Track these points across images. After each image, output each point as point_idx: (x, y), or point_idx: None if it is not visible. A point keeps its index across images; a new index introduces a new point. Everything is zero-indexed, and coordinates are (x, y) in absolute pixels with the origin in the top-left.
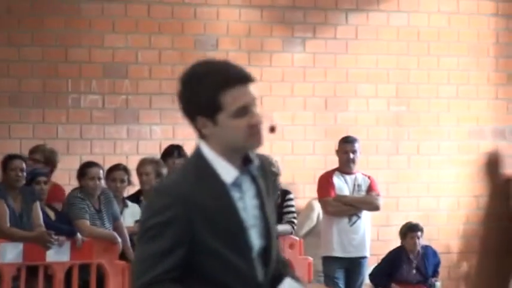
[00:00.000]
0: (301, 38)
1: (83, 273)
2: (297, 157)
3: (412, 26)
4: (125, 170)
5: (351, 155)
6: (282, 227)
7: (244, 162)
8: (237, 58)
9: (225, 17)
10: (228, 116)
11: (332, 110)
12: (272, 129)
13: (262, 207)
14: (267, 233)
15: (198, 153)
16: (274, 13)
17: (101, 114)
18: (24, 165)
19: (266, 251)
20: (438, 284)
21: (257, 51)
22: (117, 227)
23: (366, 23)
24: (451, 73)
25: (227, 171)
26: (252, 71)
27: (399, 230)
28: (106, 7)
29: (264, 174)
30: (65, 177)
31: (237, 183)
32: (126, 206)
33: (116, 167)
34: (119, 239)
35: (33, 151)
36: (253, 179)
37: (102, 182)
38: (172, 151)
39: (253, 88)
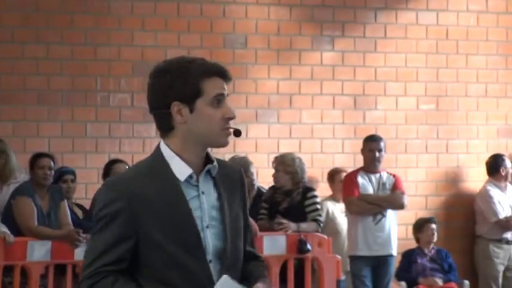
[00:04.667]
0: (330, 37)
1: None
2: (326, 156)
3: (441, 24)
4: None
5: (376, 154)
6: (306, 225)
7: (205, 164)
8: (266, 56)
9: (253, 15)
10: (206, 103)
11: (361, 108)
12: (236, 133)
13: (222, 209)
14: (225, 236)
15: (156, 151)
16: (303, 11)
17: (130, 113)
18: (52, 163)
19: (224, 253)
20: (467, 282)
21: (286, 49)
22: None
23: (395, 22)
24: (479, 72)
25: (181, 169)
26: (281, 69)
27: (413, 226)
28: (135, 5)
29: (230, 183)
30: (94, 176)
31: (192, 182)
32: None
33: None
34: None
35: None
36: (215, 182)
37: None
38: None
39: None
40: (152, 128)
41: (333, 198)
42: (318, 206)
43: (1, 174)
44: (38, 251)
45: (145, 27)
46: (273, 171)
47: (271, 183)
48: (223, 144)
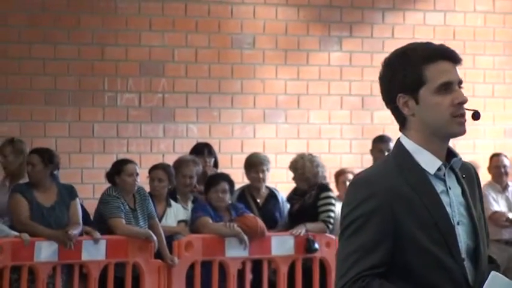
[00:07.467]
0: (338, 37)
1: (118, 272)
2: (334, 156)
3: (448, 25)
4: (164, 169)
5: (386, 154)
6: (313, 225)
7: (448, 157)
8: (274, 57)
9: (261, 16)
10: (430, 91)
11: (369, 108)
12: (475, 116)
13: (468, 206)
14: (475, 234)
15: (398, 145)
16: (311, 12)
17: (137, 113)
18: (38, 158)
19: (475, 252)
20: None
21: (294, 50)
22: (152, 226)
23: (402, 22)
24: (486, 72)
25: (429, 161)
26: (288, 69)
27: None
28: (143, 5)
29: (469, 179)
30: (101, 176)
31: (440, 176)
32: (169, 205)
33: (155, 167)
34: (154, 238)
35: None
36: (457, 178)
37: (138, 178)
38: (203, 149)
39: (458, 70)
40: (160, 128)
41: (339, 198)
42: (330, 207)
43: (14, 174)
44: (45, 252)
45: (153, 27)
46: (276, 171)
47: (279, 183)
48: (458, 133)
